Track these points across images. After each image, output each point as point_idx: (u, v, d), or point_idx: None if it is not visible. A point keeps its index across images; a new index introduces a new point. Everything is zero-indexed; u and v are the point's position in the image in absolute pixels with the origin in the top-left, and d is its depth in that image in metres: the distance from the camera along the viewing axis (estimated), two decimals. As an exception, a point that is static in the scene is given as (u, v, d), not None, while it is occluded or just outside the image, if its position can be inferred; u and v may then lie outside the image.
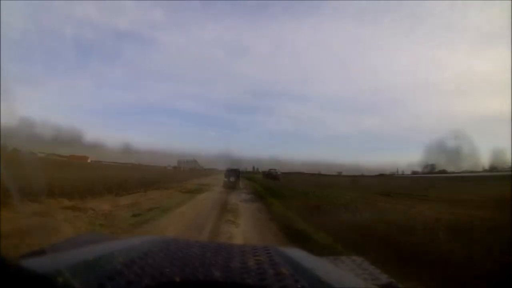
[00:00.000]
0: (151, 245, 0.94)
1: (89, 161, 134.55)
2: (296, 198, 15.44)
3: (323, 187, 36.91)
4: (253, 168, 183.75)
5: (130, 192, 16.60)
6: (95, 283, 0.59)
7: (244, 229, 8.29)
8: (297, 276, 0.71)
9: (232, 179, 27.19)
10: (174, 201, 14.08)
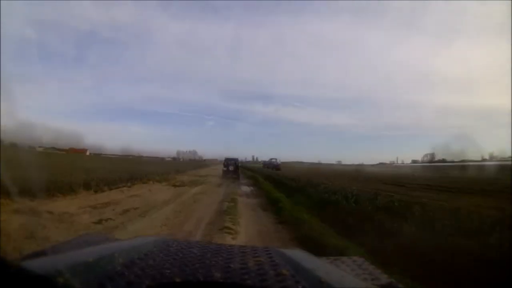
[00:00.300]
0: (151, 246, 0.90)
1: (87, 154, 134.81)
2: (305, 191, 12.98)
3: (329, 176, 34.86)
4: (253, 157, 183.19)
5: (113, 186, 14.15)
6: (95, 283, 0.58)
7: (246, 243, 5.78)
8: (298, 277, 0.69)
9: (231, 168, 26.85)
10: (160, 198, 11.58)
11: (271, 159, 53.20)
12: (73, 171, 15.15)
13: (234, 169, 27.28)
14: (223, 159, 29.36)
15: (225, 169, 27.30)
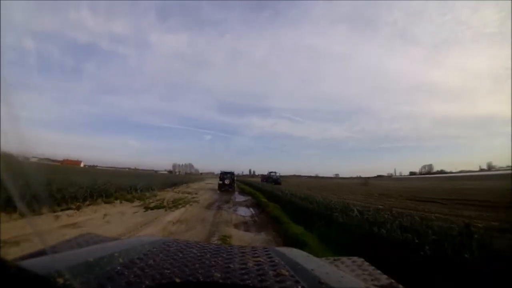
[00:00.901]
0: (151, 246, 0.91)
1: (82, 165, 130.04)
2: (330, 217, 8.44)
3: (337, 191, 30.31)
4: (250, 171, 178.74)
5: (60, 207, 9.74)
6: (95, 284, 0.58)
7: None
8: (297, 277, 0.69)
9: (226, 181, 26.64)
10: (107, 233, 6.76)
11: (270, 172, 48.50)
12: (35, 184, 10.40)
13: (230, 182, 27.09)
14: (219, 172, 28.86)
15: (221, 182, 26.91)
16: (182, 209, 12.48)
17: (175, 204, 14.05)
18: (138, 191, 17.36)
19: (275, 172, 48.76)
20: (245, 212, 13.40)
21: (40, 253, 0.82)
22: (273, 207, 12.82)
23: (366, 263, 1.16)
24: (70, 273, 0.57)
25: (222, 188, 25.95)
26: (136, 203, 13.57)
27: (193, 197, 18.16)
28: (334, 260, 1.20)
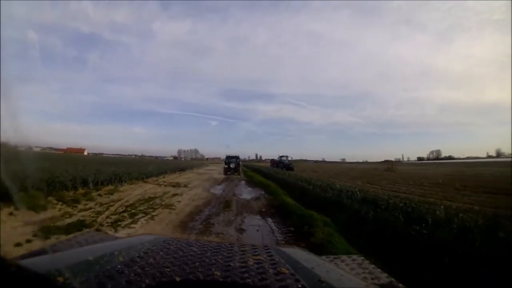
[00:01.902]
0: (151, 245, 0.89)
1: (86, 153, 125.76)
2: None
3: (372, 179, 23.62)
4: (256, 156, 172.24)
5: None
6: (95, 282, 0.57)
7: None
8: (297, 275, 0.68)
9: (232, 165, 25.90)
10: None
11: (281, 156, 41.45)
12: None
13: (235, 166, 26.18)
14: (225, 158, 27.93)
15: (226, 166, 26.23)
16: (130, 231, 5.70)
17: (142, 205, 7.29)
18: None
19: (286, 156, 41.84)
20: (258, 218, 7.19)
21: (40, 252, 0.81)
22: (323, 225, 5.88)
23: (366, 262, 1.13)
24: (70, 272, 0.56)
25: (228, 171, 25.38)
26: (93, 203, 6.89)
27: (174, 195, 11.31)
28: (334, 258, 1.15)
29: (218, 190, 14.04)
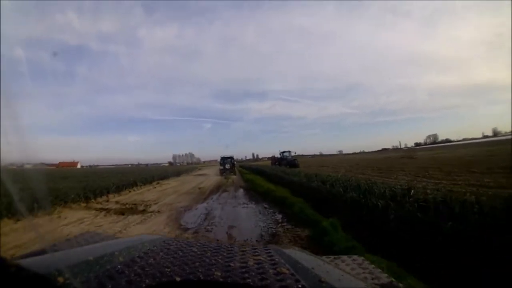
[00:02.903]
0: (151, 245, 0.87)
1: (79, 166, 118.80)
2: None
3: (402, 170, 17.83)
4: (253, 155, 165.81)
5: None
6: (95, 282, 0.55)
7: None
8: (297, 275, 0.66)
9: (227, 166, 25.97)
10: None
11: (283, 152, 34.89)
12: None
13: (230, 166, 26.35)
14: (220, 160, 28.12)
15: (221, 167, 26.40)
16: None
17: None
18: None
19: (289, 152, 35.27)
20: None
21: (40, 252, 0.79)
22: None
23: (367, 262, 1.11)
24: (70, 271, 0.55)
25: (224, 172, 25.18)
26: None
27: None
28: (335, 258, 1.14)
29: (197, 216, 7.68)
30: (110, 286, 0.54)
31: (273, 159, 37.87)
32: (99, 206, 9.86)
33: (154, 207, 9.17)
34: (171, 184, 18.53)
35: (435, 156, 33.01)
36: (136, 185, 15.97)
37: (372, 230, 4.94)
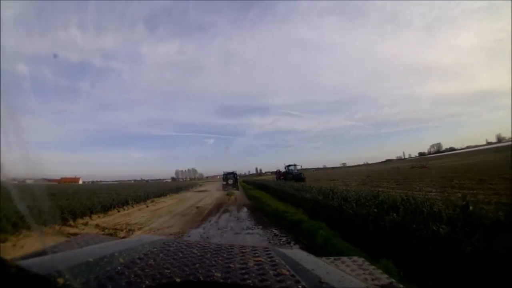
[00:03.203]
0: (151, 246, 0.86)
1: (80, 182, 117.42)
2: None
3: (409, 179, 16.27)
4: (256, 170, 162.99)
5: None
6: (95, 283, 0.55)
7: None
8: (298, 276, 0.65)
9: (230, 181, 25.97)
10: None
11: (288, 166, 32.83)
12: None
13: (233, 182, 26.33)
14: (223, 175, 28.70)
15: (224, 182, 26.58)
16: None
17: None
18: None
19: (294, 165, 33.01)
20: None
21: (40, 253, 0.78)
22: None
23: (367, 263, 1.11)
24: (70, 273, 0.55)
25: (226, 188, 25.11)
26: None
27: None
28: (335, 259, 1.14)
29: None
30: (110, 287, 0.54)
31: (278, 173, 35.72)
32: (74, 230, 8.06)
33: (137, 233, 7.37)
34: (167, 202, 16.66)
35: (447, 165, 31.00)
36: (127, 204, 14.15)
37: (448, 273, 3.11)
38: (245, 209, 11.81)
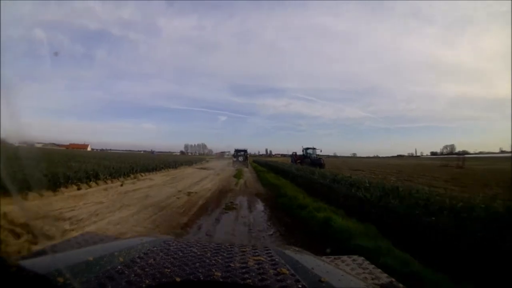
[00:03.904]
0: (151, 245, 0.85)
1: (89, 149, 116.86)
2: None
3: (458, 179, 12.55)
4: (266, 151, 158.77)
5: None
6: (95, 283, 0.55)
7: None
8: (298, 275, 0.65)
9: (240, 158, 25.60)
10: None
11: (307, 149, 28.09)
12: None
13: (243, 159, 25.94)
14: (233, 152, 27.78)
15: (234, 159, 26.25)
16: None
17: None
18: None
19: (313, 149, 28.05)
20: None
21: (40, 252, 0.78)
22: None
23: (367, 262, 1.07)
24: (70, 272, 0.54)
25: (236, 164, 25.13)
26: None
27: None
28: (335, 258, 1.09)
29: None
30: (110, 287, 0.53)
31: (294, 156, 30.94)
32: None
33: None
34: (154, 180, 12.56)
35: (487, 168, 25.70)
36: (98, 178, 10.17)
37: None
38: (260, 205, 7.62)
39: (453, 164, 32.10)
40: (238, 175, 16.39)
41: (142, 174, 14.11)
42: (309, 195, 8.31)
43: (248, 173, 19.77)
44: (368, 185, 6.50)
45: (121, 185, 9.96)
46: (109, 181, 10.40)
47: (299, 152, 29.61)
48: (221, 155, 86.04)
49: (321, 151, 29.43)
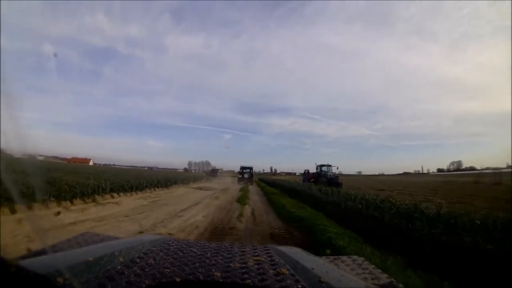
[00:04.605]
0: (151, 245, 0.84)
1: (91, 163, 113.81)
2: None
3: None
4: (271, 169, 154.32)
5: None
6: (95, 283, 0.54)
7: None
8: (297, 276, 0.64)
9: (246, 176, 25.32)
10: None
11: (321, 166, 24.44)
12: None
13: (249, 176, 25.65)
14: (239, 169, 27.28)
15: (240, 176, 26.20)
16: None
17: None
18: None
19: (328, 166, 24.41)
20: None
21: (40, 252, 0.77)
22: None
23: (366, 262, 1.03)
24: (70, 272, 0.53)
25: (241, 181, 25.03)
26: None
27: None
28: (334, 259, 1.07)
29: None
30: (110, 287, 0.53)
31: (307, 174, 26.68)
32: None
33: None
34: (121, 206, 8.43)
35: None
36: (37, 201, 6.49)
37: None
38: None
39: (485, 181, 28.07)
40: (242, 198, 12.55)
41: (114, 194, 10.39)
42: (365, 241, 4.73)
43: (255, 195, 15.92)
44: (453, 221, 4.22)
45: (58, 214, 6.16)
46: (43, 207, 6.67)
47: (312, 170, 25.82)
48: (212, 173, 60.07)
49: (337, 168, 25.55)
